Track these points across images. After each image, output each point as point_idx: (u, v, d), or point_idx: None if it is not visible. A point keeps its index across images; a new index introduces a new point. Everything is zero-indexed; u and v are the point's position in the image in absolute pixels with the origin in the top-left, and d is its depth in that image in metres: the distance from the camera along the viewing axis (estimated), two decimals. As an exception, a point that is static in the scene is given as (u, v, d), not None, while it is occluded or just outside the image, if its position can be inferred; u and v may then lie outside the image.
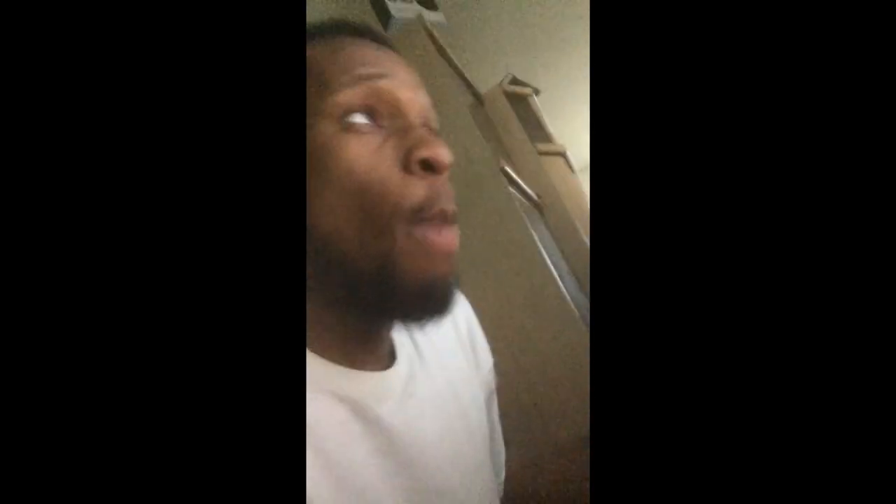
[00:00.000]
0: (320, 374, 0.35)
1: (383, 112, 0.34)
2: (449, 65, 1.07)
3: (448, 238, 0.33)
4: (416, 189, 0.32)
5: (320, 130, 0.33)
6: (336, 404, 0.35)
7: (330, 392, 0.35)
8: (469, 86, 1.22)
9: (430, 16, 1.10)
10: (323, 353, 0.36)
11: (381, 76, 0.34)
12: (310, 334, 0.35)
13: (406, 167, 0.33)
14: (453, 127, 1.06)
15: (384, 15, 1.10)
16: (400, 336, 0.42)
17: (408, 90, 0.35)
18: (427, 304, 0.34)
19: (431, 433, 0.39)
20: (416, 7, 1.14)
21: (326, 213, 0.33)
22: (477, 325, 0.52)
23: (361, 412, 0.36)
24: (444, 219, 0.33)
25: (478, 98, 1.30)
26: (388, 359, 0.40)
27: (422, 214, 0.33)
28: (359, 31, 0.38)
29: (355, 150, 0.33)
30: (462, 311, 0.50)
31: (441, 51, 1.04)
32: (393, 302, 0.34)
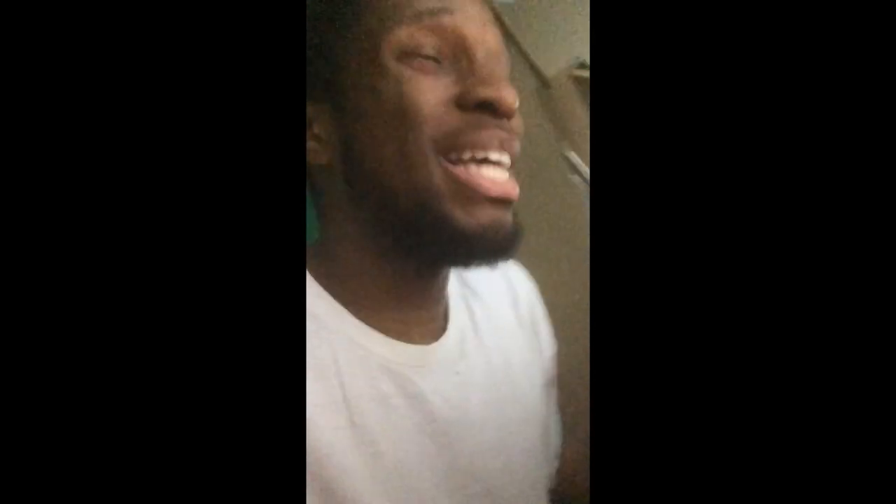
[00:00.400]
0: (365, 342, 0.35)
1: (446, 49, 0.33)
2: (514, 46, 1.06)
3: (494, 181, 0.32)
4: (462, 121, 0.31)
5: (378, 64, 0.33)
6: (380, 375, 0.35)
7: (375, 363, 0.35)
8: (535, 69, 1.20)
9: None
10: (370, 320, 0.36)
11: (446, 10, 0.33)
12: (359, 299, 0.35)
13: (462, 105, 0.32)
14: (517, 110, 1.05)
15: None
16: (456, 311, 0.41)
17: (475, 27, 0.33)
18: (473, 247, 0.33)
19: (477, 414, 0.38)
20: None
21: (374, 150, 0.33)
22: (541, 309, 0.51)
23: (403, 386, 0.35)
24: (494, 158, 0.32)
25: (544, 82, 1.27)
26: (439, 332, 0.39)
27: (462, 151, 0.31)
28: None
29: (411, 87, 0.32)
30: (524, 292, 0.49)
31: (507, 32, 1.03)
32: (438, 244, 0.33)
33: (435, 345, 0.38)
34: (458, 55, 0.33)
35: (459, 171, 0.32)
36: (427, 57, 0.33)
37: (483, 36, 0.34)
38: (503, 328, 0.45)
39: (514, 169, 0.35)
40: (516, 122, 0.34)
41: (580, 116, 1.32)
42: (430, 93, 0.32)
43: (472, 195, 0.32)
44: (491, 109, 0.31)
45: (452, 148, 0.32)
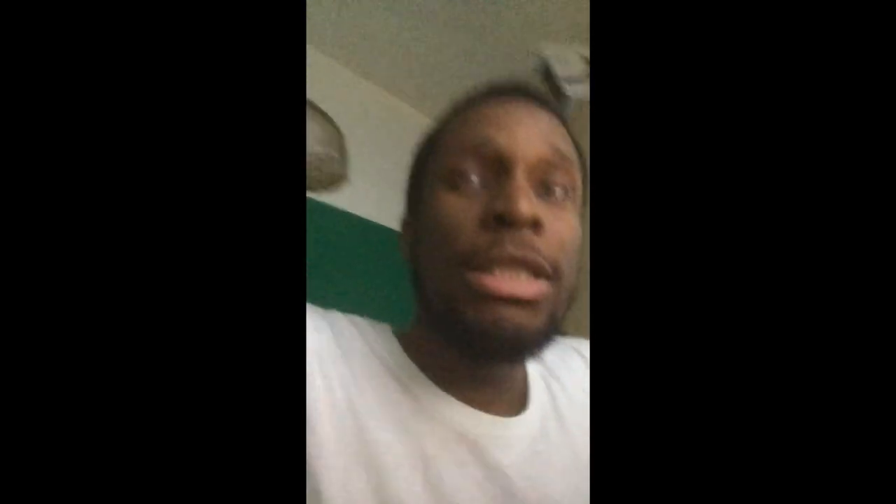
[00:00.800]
0: (442, 408, 0.37)
1: (487, 170, 0.36)
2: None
3: (506, 285, 0.33)
4: (479, 239, 0.34)
5: (431, 187, 0.38)
6: (456, 442, 0.36)
7: (455, 430, 0.36)
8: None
9: None
10: (448, 388, 0.38)
11: (492, 138, 0.35)
12: (437, 370, 0.38)
13: (483, 221, 0.34)
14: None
15: (558, 96, 1.15)
16: (537, 391, 0.42)
17: (523, 145, 0.35)
18: (486, 345, 0.34)
19: (559, 499, 0.38)
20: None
21: (424, 258, 0.38)
22: None
23: (482, 456, 0.36)
24: (511, 263, 0.33)
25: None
26: (518, 405, 0.40)
27: (478, 261, 0.33)
28: (508, 91, 0.40)
29: (449, 205, 0.35)
30: None
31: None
32: (462, 341, 0.35)
33: (515, 419, 0.39)
34: (498, 174, 0.36)
35: (475, 276, 0.34)
36: (464, 175, 0.36)
37: (527, 151, 0.36)
38: (584, 408, 0.44)
39: (549, 271, 0.35)
40: (555, 228, 0.36)
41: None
42: (462, 212, 0.35)
43: (481, 296, 0.33)
44: (506, 223, 0.33)
45: (476, 261, 0.34)
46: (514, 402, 0.40)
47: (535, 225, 0.34)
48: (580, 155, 0.41)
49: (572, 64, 1.19)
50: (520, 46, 1.37)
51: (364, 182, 1.38)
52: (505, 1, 1.29)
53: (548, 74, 1.18)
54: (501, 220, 0.33)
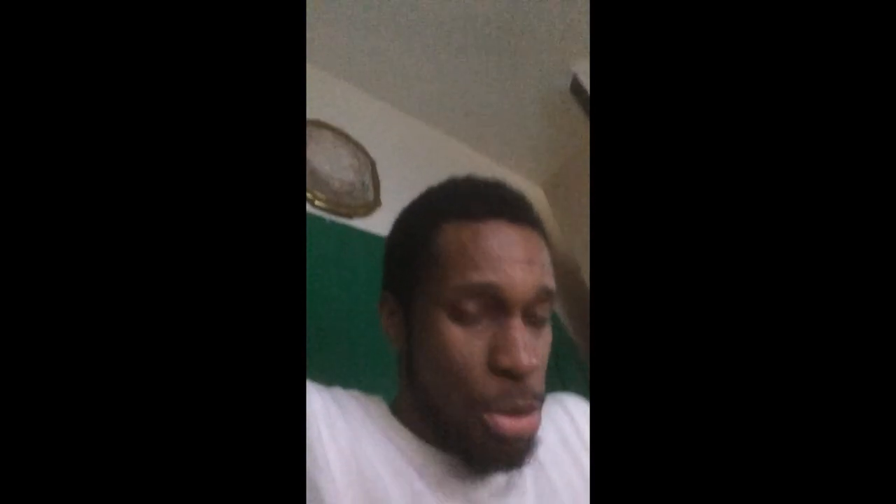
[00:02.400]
0: (430, 461, 0.43)
1: (487, 306, 0.41)
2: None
3: (519, 425, 0.39)
4: (492, 387, 0.39)
5: (429, 309, 0.42)
6: (441, 484, 0.42)
7: (439, 476, 0.42)
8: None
9: None
10: (440, 447, 0.43)
11: (496, 285, 0.40)
12: (428, 434, 0.44)
13: (491, 367, 0.39)
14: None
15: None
16: None
17: (519, 280, 0.41)
18: (489, 466, 0.41)
19: None
20: None
21: (427, 373, 0.43)
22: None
23: (463, 490, 0.42)
24: (517, 411, 0.39)
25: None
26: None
27: (491, 406, 0.39)
28: (496, 212, 0.44)
29: (454, 339, 0.40)
30: (584, 414, 0.54)
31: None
32: (466, 458, 0.41)
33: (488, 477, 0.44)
34: (497, 312, 0.41)
35: (490, 418, 0.39)
36: (470, 315, 0.41)
37: (524, 295, 0.41)
38: (560, 451, 0.50)
39: (539, 403, 0.42)
40: (542, 355, 0.42)
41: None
42: (471, 354, 0.40)
43: (494, 435, 0.39)
44: (511, 376, 0.39)
45: (490, 407, 0.39)
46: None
47: (533, 371, 0.40)
48: (548, 238, 0.48)
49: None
50: (546, 66, 1.36)
51: (398, 205, 1.39)
52: (532, 20, 1.29)
53: (579, 90, 1.17)
54: (507, 374, 0.39)
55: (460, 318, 0.41)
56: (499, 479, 0.44)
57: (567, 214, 1.37)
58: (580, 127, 1.34)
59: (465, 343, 0.40)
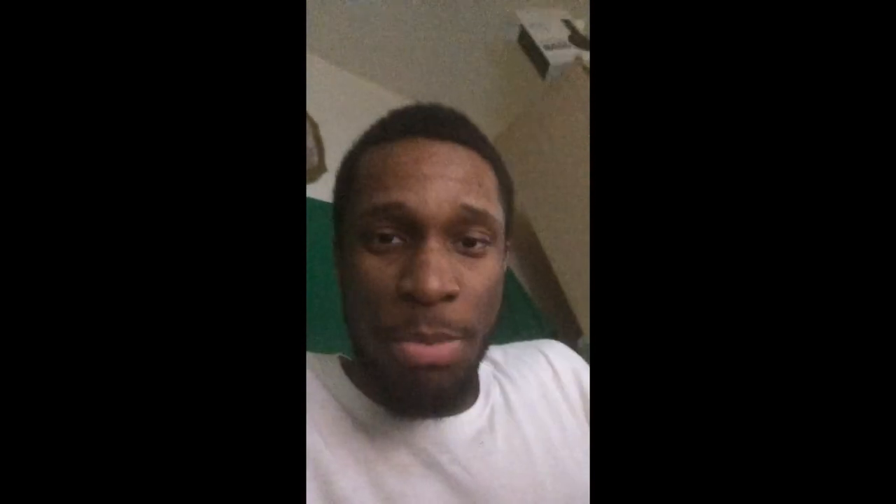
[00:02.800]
0: (381, 422, 0.41)
1: (402, 230, 0.37)
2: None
3: (427, 352, 0.36)
4: (397, 314, 0.36)
5: (349, 240, 0.40)
6: (394, 448, 0.40)
7: (390, 437, 0.40)
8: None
9: (587, 55, 1.11)
10: (384, 403, 0.41)
11: (402, 203, 0.37)
12: (373, 388, 0.42)
13: (398, 290, 0.36)
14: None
15: (542, 64, 1.14)
16: (487, 389, 0.46)
17: (434, 208, 0.37)
18: (412, 403, 0.38)
19: (505, 485, 0.40)
20: (574, 50, 1.14)
21: (350, 308, 0.41)
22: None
23: (420, 456, 0.40)
24: (423, 339, 0.36)
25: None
26: (467, 408, 0.44)
27: (397, 334, 0.36)
28: (413, 130, 0.41)
29: (367, 269, 0.37)
30: (566, 362, 0.52)
31: None
32: (389, 395, 0.39)
33: (454, 418, 0.42)
34: (413, 233, 0.37)
35: (395, 347, 0.36)
36: (383, 237, 0.37)
37: (439, 214, 0.37)
38: (537, 404, 0.47)
39: (466, 332, 0.38)
40: (471, 286, 0.38)
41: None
42: (380, 280, 0.37)
43: (401, 364, 0.36)
44: (415, 300, 0.35)
45: (395, 335, 0.36)
46: (463, 405, 0.44)
47: (448, 297, 0.36)
48: (503, 178, 0.44)
49: (553, 28, 1.14)
50: (496, 16, 1.31)
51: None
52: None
53: (528, 42, 1.13)
54: (412, 298, 0.35)
55: (374, 245, 0.37)
56: (461, 437, 0.42)
57: (520, 169, 1.35)
58: (529, 80, 1.31)
59: (377, 269, 0.37)
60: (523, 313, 1.35)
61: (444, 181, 0.38)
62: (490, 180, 0.41)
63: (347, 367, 0.45)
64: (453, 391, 0.38)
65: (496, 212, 0.40)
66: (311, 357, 0.46)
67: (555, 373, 0.51)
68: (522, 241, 1.41)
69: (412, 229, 0.37)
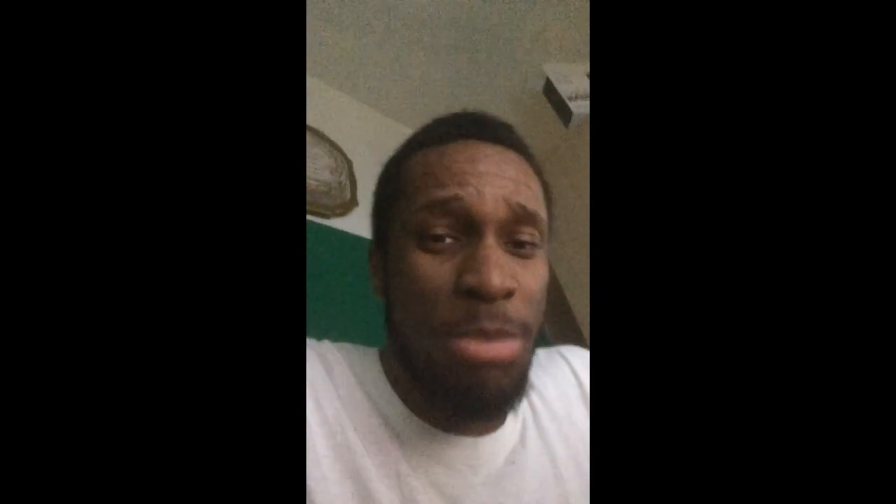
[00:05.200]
0: (417, 436, 0.39)
1: (458, 229, 0.37)
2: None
3: (488, 349, 0.34)
4: (456, 310, 0.35)
5: (400, 241, 0.38)
6: (429, 465, 0.38)
7: (424, 454, 0.39)
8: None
9: None
10: (425, 416, 0.40)
11: (461, 198, 0.36)
12: (416, 398, 0.40)
13: (458, 289, 0.35)
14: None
15: (565, 113, 1.18)
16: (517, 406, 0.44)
17: (488, 193, 0.36)
18: (466, 407, 0.36)
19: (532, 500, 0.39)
20: None
21: (399, 309, 0.39)
22: None
23: (455, 476, 0.39)
24: (485, 336, 0.34)
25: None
26: (499, 426, 0.42)
27: (457, 330, 0.35)
28: (470, 133, 0.41)
29: (422, 269, 0.36)
30: (588, 371, 0.50)
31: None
32: (439, 396, 0.37)
33: (488, 437, 0.41)
34: (468, 232, 0.37)
35: (455, 343, 0.35)
36: (437, 237, 0.37)
37: (496, 211, 0.37)
38: (566, 420, 0.46)
39: (526, 328, 0.37)
40: (526, 285, 0.37)
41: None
42: (437, 277, 0.36)
43: (461, 362, 0.35)
44: (478, 296, 0.34)
45: (455, 331, 0.35)
46: (496, 421, 0.42)
47: (507, 294, 0.35)
48: (546, 186, 0.44)
49: (575, 81, 1.20)
50: (520, 68, 1.38)
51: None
52: (505, 23, 1.31)
53: (552, 92, 1.19)
54: (475, 295, 0.34)
55: (429, 243, 0.37)
56: (497, 458, 0.40)
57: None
58: (553, 128, 1.37)
59: (433, 268, 0.36)
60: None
61: (500, 180, 0.38)
62: (536, 185, 0.42)
63: (386, 365, 0.43)
64: (510, 392, 0.37)
65: (544, 214, 0.40)
66: (351, 349, 0.45)
67: (578, 381, 0.49)
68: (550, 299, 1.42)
69: (468, 226, 0.36)
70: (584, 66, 1.24)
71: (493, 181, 0.37)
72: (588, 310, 1.17)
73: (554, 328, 1.37)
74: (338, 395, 0.40)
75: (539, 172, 0.44)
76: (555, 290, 1.29)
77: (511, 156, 0.41)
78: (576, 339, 1.23)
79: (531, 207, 0.38)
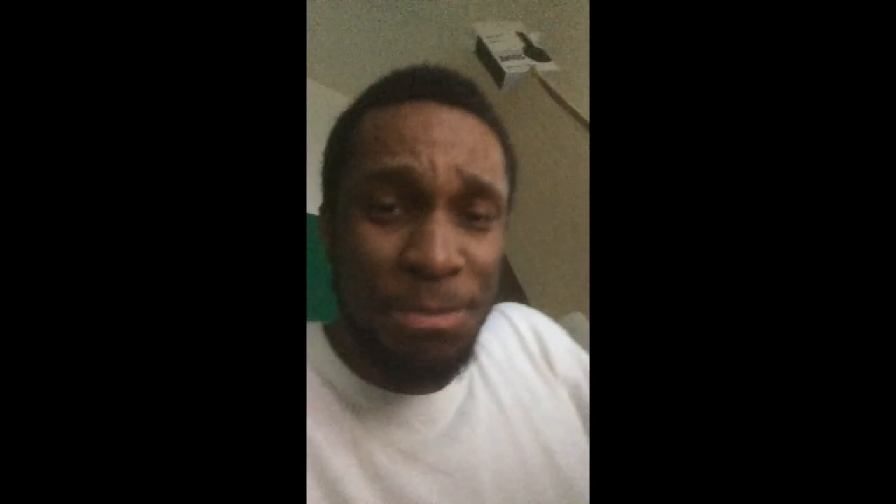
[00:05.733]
0: (367, 398, 0.40)
1: (406, 200, 0.35)
2: (566, 110, 1.10)
3: (431, 321, 0.34)
4: (399, 286, 0.34)
5: (347, 207, 0.37)
6: (384, 425, 0.39)
7: (378, 414, 0.39)
8: (589, 128, 1.23)
9: (542, 66, 1.14)
10: (372, 378, 0.41)
11: (411, 168, 0.34)
12: (363, 364, 0.40)
13: (400, 263, 0.34)
14: (572, 169, 1.09)
15: (497, 73, 1.15)
16: None
17: (441, 164, 0.34)
18: (410, 374, 0.36)
19: (486, 452, 0.40)
20: (528, 62, 1.16)
21: (344, 278, 0.38)
22: (553, 335, 0.52)
23: (408, 433, 0.39)
24: (424, 311, 0.34)
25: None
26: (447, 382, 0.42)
27: (399, 304, 0.34)
28: (422, 93, 0.38)
29: (367, 236, 0.35)
30: (525, 321, 0.52)
31: (557, 98, 1.08)
32: (383, 365, 0.37)
33: (439, 394, 0.42)
34: (418, 203, 0.35)
35: (396, 315, 0.35)
36: (384, 207, 0.35)
37: (448, 185, 0.35)
38: (508, 369, 0.47)
39: (469, 302, 0.37)
40: (476, 258, 0.36)
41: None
42: (381, 249, 0.35)
43: (402, 332, 0.34)
44: (420, 274, 0.33)
45: (396, 305, 0.34)
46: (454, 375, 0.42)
47: (453, 271, 0.34)
48: (509, 152, 0.41)
49: (508, 41, 1.18)
50: (437, 26, 1.34)
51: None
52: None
53: (485, 53, 1.16)
54: (417, 271, 0.33)
55: (376, 213, 0.35)
56: (447, 415, 0.41)
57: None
58: (485, 91, 1.34)
59: (378, 239, 0.35)
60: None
61: (455, 149, 0.35)
62: (497, 153, 0.39)
63: (332, 337, 0.43)
64: (454, 362, 0.37)
65: (502, 186, 0.39)
66: None
67: (518, 333, 0.51)
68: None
69: (418, 198, 0.35)
70: (516, 25, 1.21)
71: (448, 150, 0.35)
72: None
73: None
74: None
75: (503, 138, 0.41)
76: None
77: (470, 121, 0.38)
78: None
79: (487, 179, 0.36)
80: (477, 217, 0.37)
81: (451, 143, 0.35)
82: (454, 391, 0.42)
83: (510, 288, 1.28)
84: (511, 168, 0.42)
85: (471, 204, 0.36)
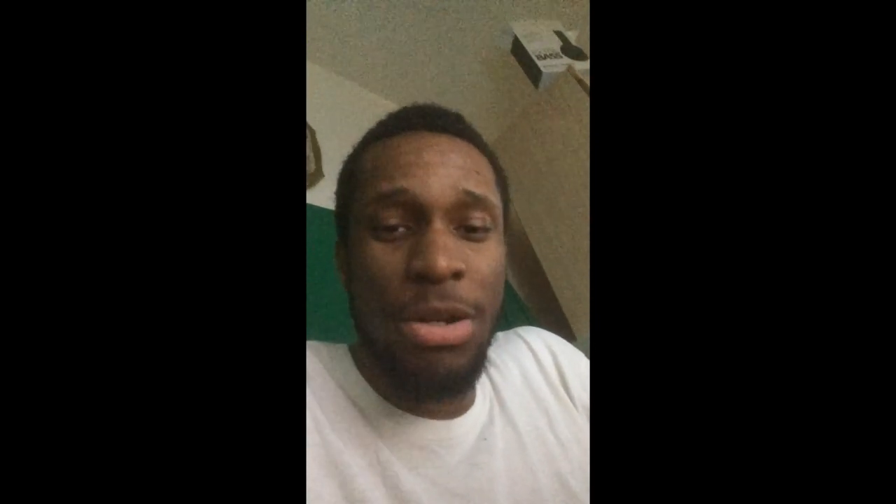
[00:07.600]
0: (392, 422, 0.41)
1: (408, 218, 0.38)
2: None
3: (438, 332, 0.36)
4: (406, 294, 0.36)
5: (357, 233, 0.40)
6: (407, 449, 0.40)
7: (401, 438, 0.40)
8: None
9: (579, 65, 1.14)
10: (396, 401, 0.42)
11: (406, 189, 0.38)
12: (386, 386, 0.42)
13: (407, 274, 0.37)
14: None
15: (535, 73, 1.16)
16: (481, 384, 0.46)
17: (434, 182, 0.38)
18: (427, 390, 0.38)
19: (503, 477, 0.41)
20: (566, 60, 1.16)
21: (358, 298, 0.41)
22: (570, 358, 0.53)
23: (431, 458, 0.40)
24: (435, 316, 0.36)
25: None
26: (465, 405, 0.44)
27: (407, 312, 0.36)
28: (413, 124, 0.42)
29: (375, 257, 0.38)
30: (543, 344, 0.53)
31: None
32: (400, 381, 0.39)
33: (460, 419, 0.43)
34: (418, 219, 0.38)
35: (406, 327, 0.37)
36: (389, 228, 0.38)
37: (442, 198, 0.38)
38: (525, 392, 0.48)
39: (476, 311, 0.38)
40: (477, 267, 0.38)
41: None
42: (388, 264, 0.38)
43: (413, 344, 0.36)
44: (425, 278, 0.36)
45: (405, 314, 0.37)
46: (461, 402, 0.44)
47: (456, 275, 0.37)
48: (499, 172, 0.45)
49: (545, 39, 1.17)
50: (473, 26, 1.33)
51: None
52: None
53: (521, 52, 1.15)
54: (423, 277, 0.36)
55: (382, 233, 0.38)
56: (468, 441, 0.42)
57: (513, 176, 1.35)
58: (522, 89, 1.33)
59: (385, 256, 0.38)
60: (516, 318, 1.37)
61: (446, 168, 0.39)
62: (487, 170, 0.43)
63: (356, 358, 0.45)
64: (467, 373, 0.38)
65: (495, 199, 0.42)
66: (320, 346, 0.46)
67: (535, 357, 0.52)
68: (516, 248, 1.43)
69: (417, 214, 0.38)
70: (554, 23, 1.20)
71: (439, 170, 0.39)
72: (568, 291, 1.17)
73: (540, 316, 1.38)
74: (312, 393, 0.41)
75: (492, 159, 0.45)
76: (537, 274, 1.29)
77: (459, 144, 0.42)
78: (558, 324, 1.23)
79: (480, 192, 0.40)
80: (474, 229, 0.40)
81: (442, 164, 0.39)
82: (474, 417, 0.44)
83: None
84: (502, 184, 0.46)
85: (466, 217, 0.39)
